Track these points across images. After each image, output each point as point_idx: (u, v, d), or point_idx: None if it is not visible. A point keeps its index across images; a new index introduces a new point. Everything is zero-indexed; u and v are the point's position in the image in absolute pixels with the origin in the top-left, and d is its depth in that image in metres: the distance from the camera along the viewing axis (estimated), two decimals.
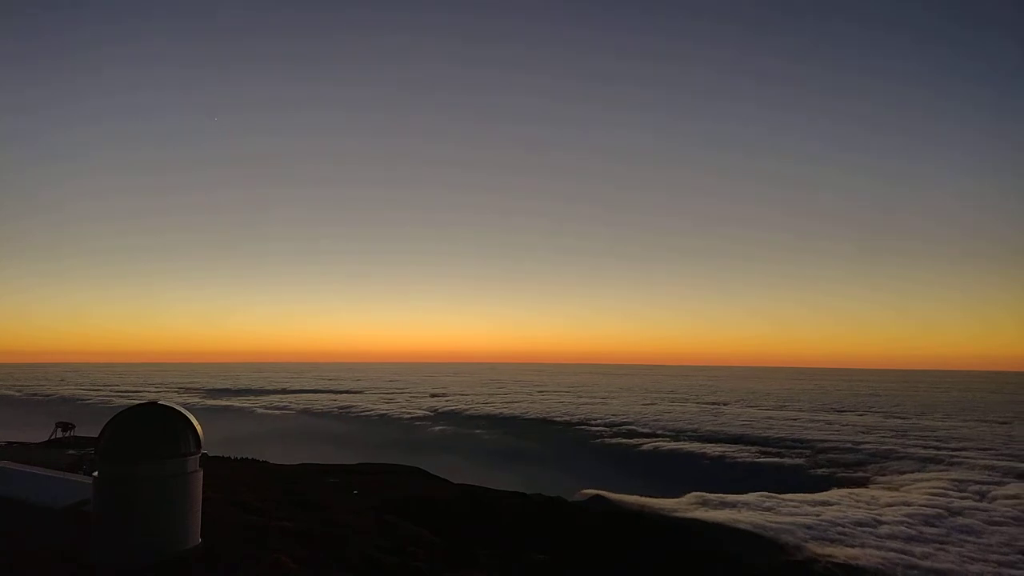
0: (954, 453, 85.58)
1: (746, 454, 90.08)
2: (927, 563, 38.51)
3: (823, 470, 78.85)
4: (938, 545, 42.52)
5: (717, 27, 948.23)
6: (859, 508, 52.64)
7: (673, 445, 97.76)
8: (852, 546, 41.26)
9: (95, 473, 10.53)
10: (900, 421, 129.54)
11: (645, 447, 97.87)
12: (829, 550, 39.66)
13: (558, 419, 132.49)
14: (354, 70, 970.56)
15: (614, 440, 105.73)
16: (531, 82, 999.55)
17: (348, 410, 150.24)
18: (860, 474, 75.86)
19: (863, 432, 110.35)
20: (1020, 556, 40.47)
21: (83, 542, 10.19)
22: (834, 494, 58.89)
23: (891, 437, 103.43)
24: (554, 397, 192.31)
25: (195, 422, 11.11)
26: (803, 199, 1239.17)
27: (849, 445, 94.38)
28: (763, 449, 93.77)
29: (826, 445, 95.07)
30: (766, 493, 56.24)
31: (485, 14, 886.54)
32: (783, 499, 54.70)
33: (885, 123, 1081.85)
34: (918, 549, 41.30)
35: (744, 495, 55.13)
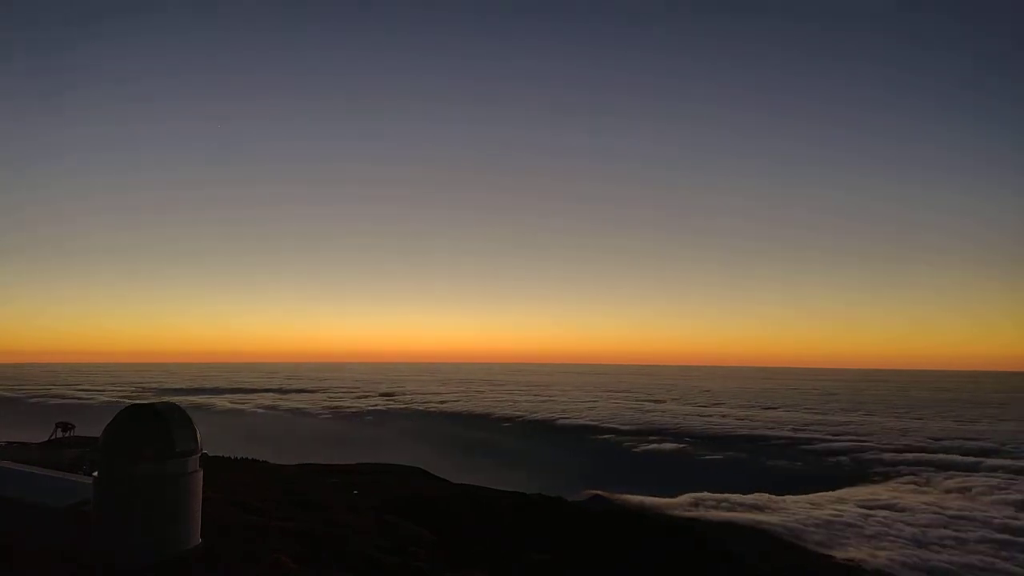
0: (841, 444, 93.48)
1: (632, 441, 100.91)
2: (931, 563, 38.54)
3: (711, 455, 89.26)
4: (940, 546, 42.63)
5: (718, 28, 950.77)
6: (858, 508, 53.19)
7: (595, 436, 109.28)
8: (851, 547, 41.31)
9: (95, 473, 10.51)
10: (819, 416, 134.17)
11: (564, 437, 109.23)
12: (830, 550, 39.70)
13: (491, 415, 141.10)
14: (350, 73, 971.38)
15: (522, 430, 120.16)
16: (526, 81, 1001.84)
17: (275, 408, 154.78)
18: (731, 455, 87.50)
19: (771, 427, 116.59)
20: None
21: (83, 542, 10.17)
22: (834, 494, 59.33)
23: (789, 431, 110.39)
24: (500, 395, 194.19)
25: (193, 422, 11.09)
26: (804, 201, 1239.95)
27: (743, 439, 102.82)
28: (663, 438, 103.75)
29: (723, 440, 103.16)
30: (765, 494, 56.84)
31: (486, 24, 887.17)
32: (782, 499, 55.17)
33: (887, 125, 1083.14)
34: (922, 550, 41.32)
35: (747, 495, 55.69)
